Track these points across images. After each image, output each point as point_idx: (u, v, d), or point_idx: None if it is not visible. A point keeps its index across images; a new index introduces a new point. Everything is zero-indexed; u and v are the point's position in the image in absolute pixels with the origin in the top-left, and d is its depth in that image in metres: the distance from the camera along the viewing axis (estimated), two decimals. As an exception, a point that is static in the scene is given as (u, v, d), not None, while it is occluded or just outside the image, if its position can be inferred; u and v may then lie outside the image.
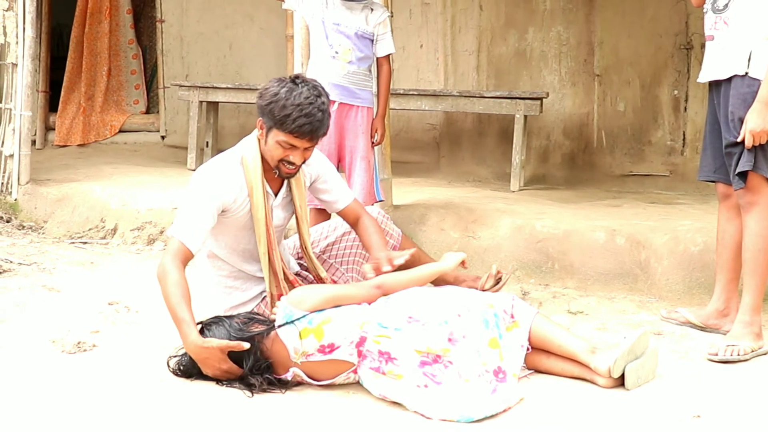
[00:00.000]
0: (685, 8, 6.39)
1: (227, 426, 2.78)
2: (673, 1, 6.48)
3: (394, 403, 2.97)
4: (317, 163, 3.66)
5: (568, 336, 3.25)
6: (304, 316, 3.06)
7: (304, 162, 3.42)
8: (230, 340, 3.06)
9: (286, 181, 3.53)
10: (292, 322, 3.06)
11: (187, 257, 3.29)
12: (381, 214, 4.09)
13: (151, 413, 2.86)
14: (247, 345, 3.04)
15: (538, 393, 3.09)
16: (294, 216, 3.62)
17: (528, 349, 3.19)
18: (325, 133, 3.40)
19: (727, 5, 3.51)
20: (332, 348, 3.05)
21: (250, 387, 3.04)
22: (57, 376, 3.16)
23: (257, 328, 3.11)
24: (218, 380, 3.12)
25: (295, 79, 3.35)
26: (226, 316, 3.22)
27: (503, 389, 3.00)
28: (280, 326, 3.08)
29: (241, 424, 2.80)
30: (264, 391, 3.04)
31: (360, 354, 3.06)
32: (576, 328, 3.81)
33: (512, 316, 3.21)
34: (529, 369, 3.25)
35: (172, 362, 3.21)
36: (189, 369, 3.15)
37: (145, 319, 3.90)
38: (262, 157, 3.42)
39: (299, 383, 3.12)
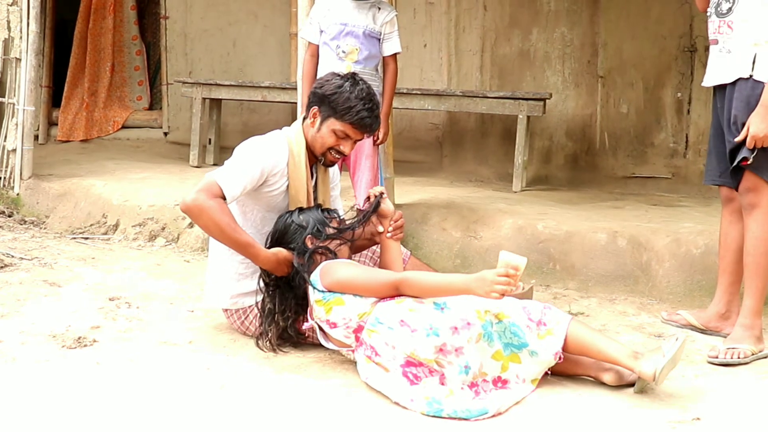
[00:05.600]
0: (690, 11, 6.38)
1: (226, 417, 2.79)
2: (678, 3, 6.48)
3: (396, 403, 2.98)
4: (338, 178, 3.93)
5: (607, 341, 3.14)
6: (322, 290, 3.26)
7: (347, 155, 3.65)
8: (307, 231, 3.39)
9: (315, 177, 3.67)
10: (314, 287, 3.29)
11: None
12: None
13: (149, 406, 2.86)
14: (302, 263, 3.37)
15: (539, 393, 3.09)
16: None
17: (560, 359, 3.09)
18: (375, 131, 3.66)
19: (730, 9, 3.50)
20: (334, 326, 3.22)
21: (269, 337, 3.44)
22: (57, 371, 3.16)
23: (319, 259, 3.38)
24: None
25: (354, 76, 3.60)
26: (312, 228, 3.42)
27: (495, 395, 3.00)
28: (310, 280, 3.31)
29: (233, 417, 2.81)
30: (281, 343, 3.44)
31: (357, 339, 3.18)
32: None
33: (543, 324, 3.11)
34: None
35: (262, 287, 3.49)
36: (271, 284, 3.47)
37: (145, 315, 3.90)
38: (306, 146, 3.58)
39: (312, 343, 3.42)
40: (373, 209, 3.51)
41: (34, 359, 3.28)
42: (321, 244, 3.38)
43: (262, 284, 3.47)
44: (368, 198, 3.59)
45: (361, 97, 3.49)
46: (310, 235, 3.39)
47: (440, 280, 3.20)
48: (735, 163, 3.50)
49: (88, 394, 2.97)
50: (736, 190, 3.61)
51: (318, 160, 3.63)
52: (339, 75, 3.60)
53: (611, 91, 6.77)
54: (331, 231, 3.42)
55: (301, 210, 3.49)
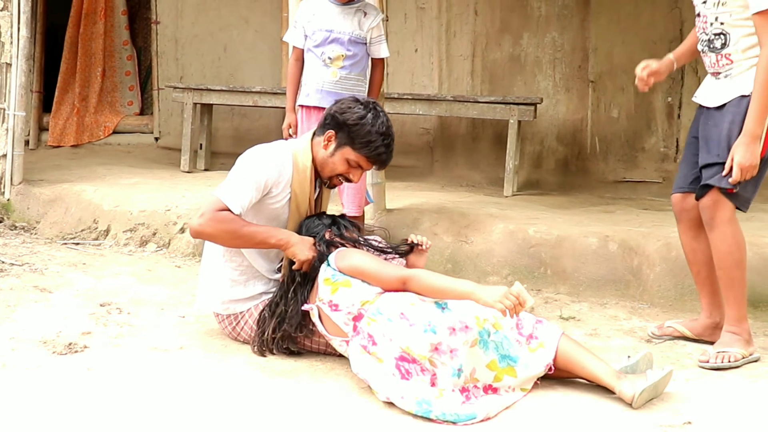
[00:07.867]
0: (680, 15, 6.41)
1: (218, 422, 2.79)
2: (668, 8, 6.51)
3: (386, 401, 2.98)
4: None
5: (592, 359, 3.18)
6: (334, 268, 3.32)
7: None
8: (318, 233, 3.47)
9: (318, 192, 3.65)
10: (328, 263, 3.34)
11: None
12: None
13: (140, 412, 2.86)
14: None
15: (530, 396, 3.09)
16: None
17: (551, 370, 3.14)
18: (387, 165, 3.66)
19: (725, 44, 3.49)
20: (336, 308, 3.24)
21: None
22: (48, 378, 3.15)
23: (333, 248, 3.43)
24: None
25: (376, 106, 3.53)
26: (330, 224, 3.51)
27: (484, 400, 3.00)
28: (325, 261, 3.38)
29: (224, 421, 2.81)
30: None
31: (355, 328, 3.18)
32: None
33: (534, 337, 3.17)
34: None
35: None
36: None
37: (136, 320, 3.89)
38: (312, 162, 3.55)
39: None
40: (405, 252, 3.55)
41: (24, 365, 3.27)
42: (340, 240, 3.45)
43: (279, 275, 3.51)
44: (408, 240, 3.60)
45: (381, 131, 3.46)
46: (330, 229, 3.47)
47: (446, 282, 3.22)
48: (721, 188, 3.49)
49: (79, 400, 2.95)
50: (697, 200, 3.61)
51: (324, 183, 3.61)
52: (360, 102, 3.52)
53: (602, 96, 6.79)
54: (351, 237, 3.49)
55: (326, 213, 3.60)
